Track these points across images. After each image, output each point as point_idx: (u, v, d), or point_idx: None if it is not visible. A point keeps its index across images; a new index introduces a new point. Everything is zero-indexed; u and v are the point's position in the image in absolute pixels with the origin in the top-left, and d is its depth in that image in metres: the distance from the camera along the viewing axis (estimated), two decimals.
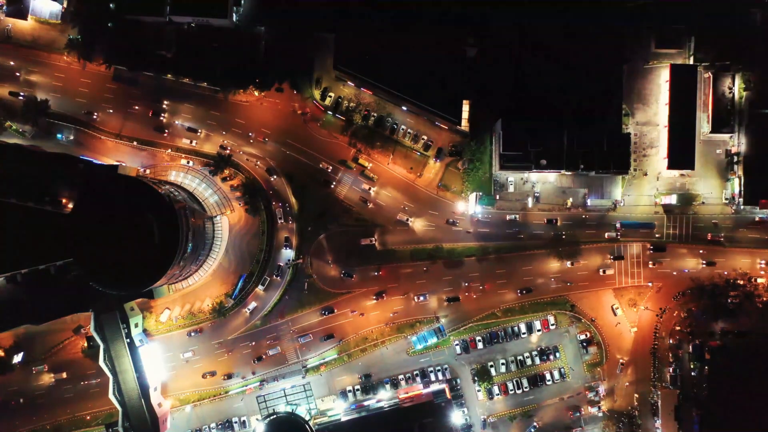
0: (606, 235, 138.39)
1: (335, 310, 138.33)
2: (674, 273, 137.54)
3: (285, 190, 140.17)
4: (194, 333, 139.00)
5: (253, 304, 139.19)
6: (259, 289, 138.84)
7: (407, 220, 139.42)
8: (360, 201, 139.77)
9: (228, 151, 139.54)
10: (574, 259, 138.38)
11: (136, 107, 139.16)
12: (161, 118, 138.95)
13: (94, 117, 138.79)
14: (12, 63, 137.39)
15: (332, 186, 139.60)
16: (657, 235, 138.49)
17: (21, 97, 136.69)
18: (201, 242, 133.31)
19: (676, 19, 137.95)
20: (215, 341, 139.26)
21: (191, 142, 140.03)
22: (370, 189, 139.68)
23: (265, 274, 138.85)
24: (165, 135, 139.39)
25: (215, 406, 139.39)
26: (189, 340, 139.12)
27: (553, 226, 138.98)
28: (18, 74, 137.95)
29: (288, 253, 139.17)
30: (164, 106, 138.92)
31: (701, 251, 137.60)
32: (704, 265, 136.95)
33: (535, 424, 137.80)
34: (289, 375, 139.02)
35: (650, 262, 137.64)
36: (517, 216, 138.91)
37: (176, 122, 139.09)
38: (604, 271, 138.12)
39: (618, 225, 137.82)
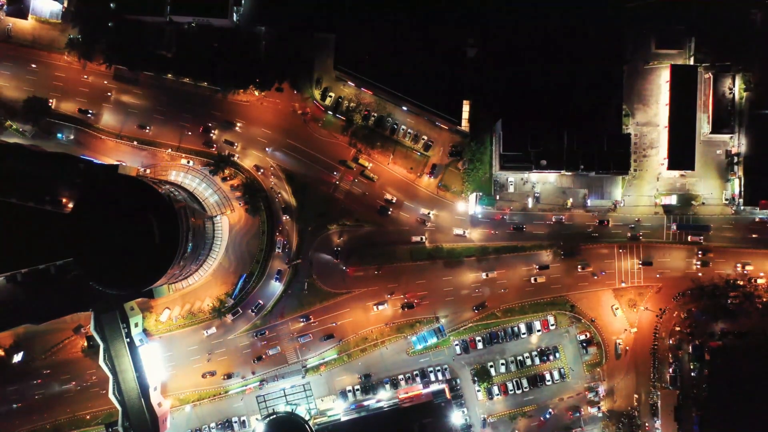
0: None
1: (311, 318, 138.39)
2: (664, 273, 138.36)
3: (292, 229, 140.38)
4: (233, 315, 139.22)
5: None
6: (229, 318, 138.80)
7: (464, 233, 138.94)
8: (417, 222, 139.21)
9: (262, 172, 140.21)
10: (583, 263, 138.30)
11: (187, 124, 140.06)
12: (211, 135, 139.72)
13: (147, 130, 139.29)
14: (105, 83, 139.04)
15: (389, 213, 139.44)
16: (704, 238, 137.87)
17: (90, 115, 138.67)
18: (201, 242, 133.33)
19: (676, 20, 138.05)
20: (215, 341, 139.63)
21: (235, 157, 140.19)
22: (429, 213, 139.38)
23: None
24: (213, 149, 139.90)
25: (215, 406, 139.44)
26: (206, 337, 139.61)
27: (604, 227, 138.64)
28: (109, 94, 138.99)
29: (276, 286, 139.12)
30: (212, 125, 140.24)
31: (699, 252, 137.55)
32: (698, 266, 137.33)
33: (550, 410, 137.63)
34: (289, 375, 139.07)
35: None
36: (563, 217, 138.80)
37: (223, 138, 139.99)
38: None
39: (674, 227, 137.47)
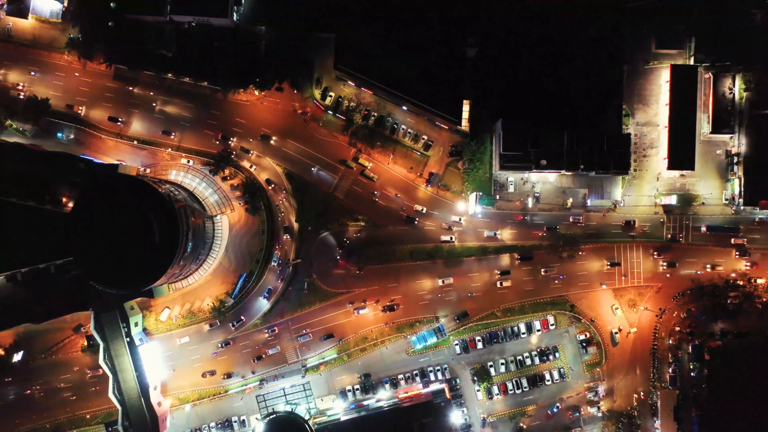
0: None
1: (276, 329, 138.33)
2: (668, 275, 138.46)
3: (291, 247, 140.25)
4: (210, 326, 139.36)
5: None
6: (205, 327, 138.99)
7: (495, 234, 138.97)
8: (443, 227, 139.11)
9: (273, 187, 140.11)
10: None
11: (211, 132, 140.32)
12: (230, 142, 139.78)
13: (172, 136, 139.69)
14: (151, 94, 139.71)
15: (416, 223, 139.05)
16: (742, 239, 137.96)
17: (119, 122, 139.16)
18: (201, 241, 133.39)
19: (676, 20, 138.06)
20: (215, 341, 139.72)
21: (251, 167, 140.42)
22: (460, 219, 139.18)
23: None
24: (233, 156, 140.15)
25: (215, 405, 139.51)
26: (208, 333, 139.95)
27: (631, 227, 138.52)
28: (154, 104, 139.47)
29: (263, 304, 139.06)
30: (233, 136, 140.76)
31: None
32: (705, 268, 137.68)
33: (557, 404, 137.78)
34: (289, 374, 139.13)
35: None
36: (581, 218, 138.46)
37: (241, 146, 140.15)
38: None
39: (704, 229, 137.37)
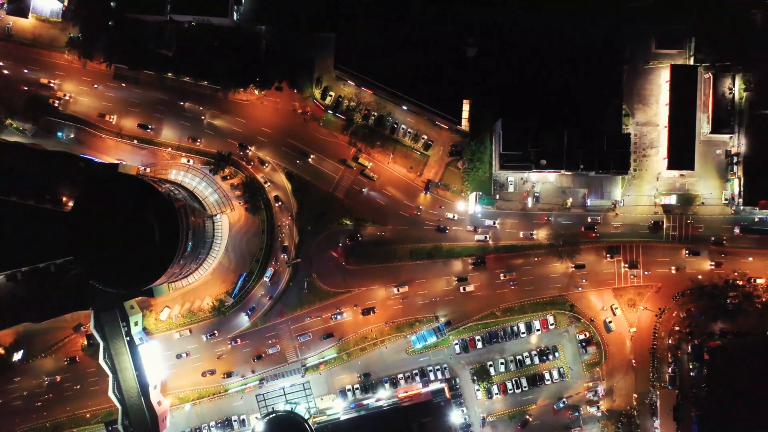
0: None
1: (239, 341, 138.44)
2: (672, 272, 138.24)
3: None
4: (210, 335, 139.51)
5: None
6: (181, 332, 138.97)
7: (531, 234, 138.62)
8: (475, 233, 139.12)
9: (280, 205, 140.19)
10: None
11: (234, 141, 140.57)
12: (248, 151, 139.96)
13: (198, 143, 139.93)
14: (198, 107, 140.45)
15: (447, 232, 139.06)
16: None
17: (149, 129, 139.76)
18: (201, 241, 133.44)
19: (676, 20, 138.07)
20: (214, 340, 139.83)
21: (265, 183, 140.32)
22: (494, 222, 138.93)
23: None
24: (250, 166, 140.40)
25: (215, 405, 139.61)
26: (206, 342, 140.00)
27: (659, 227, 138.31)
28: (203, 118, 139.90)
29: (244, 320, 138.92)
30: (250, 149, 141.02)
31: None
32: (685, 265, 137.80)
33: (564, 399, 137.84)
34: (289, 374, 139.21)
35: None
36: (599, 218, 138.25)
37: (258, 155, 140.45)
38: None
39: (737, 231, 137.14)
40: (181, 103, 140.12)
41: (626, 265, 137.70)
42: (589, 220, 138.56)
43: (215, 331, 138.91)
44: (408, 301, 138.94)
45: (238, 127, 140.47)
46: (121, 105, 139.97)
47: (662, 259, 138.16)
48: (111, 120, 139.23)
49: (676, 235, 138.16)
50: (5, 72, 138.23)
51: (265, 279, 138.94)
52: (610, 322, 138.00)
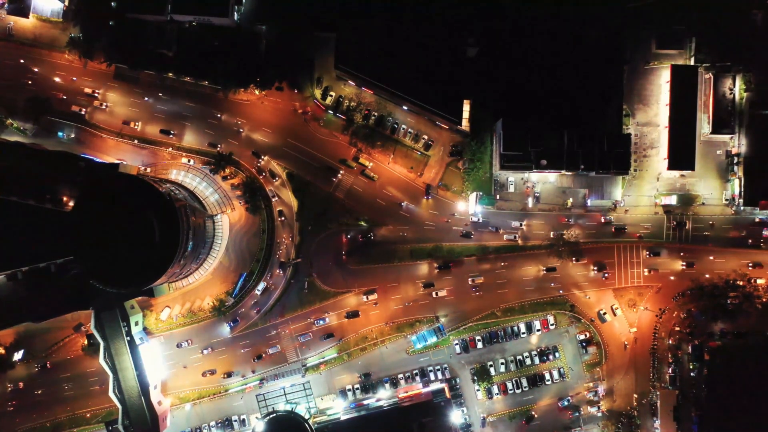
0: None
1: (212, 349, 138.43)
2: (672, 277, 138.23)
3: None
4: (206, 350, 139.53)
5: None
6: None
7: (514, 237, 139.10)
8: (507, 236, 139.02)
9: (282, 220, 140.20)
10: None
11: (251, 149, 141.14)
12: (260, 160, 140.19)
13: (218, 148, 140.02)
14: (235, 120, 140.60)
15: (472, 236, 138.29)
16: None
17: (172, 135, 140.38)
18: (201, 241, 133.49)
19: (676, 20, 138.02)
20: (215, 340, 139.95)
21: (273, 197, 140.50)
22: (521, 224, 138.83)
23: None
24: (262, 177, 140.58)
25: (215, 405, 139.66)
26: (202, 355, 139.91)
27: (680, 228, 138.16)
28: (241, 130, 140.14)
29: (225, 330, 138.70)
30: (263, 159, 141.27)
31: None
32: (684, 267, 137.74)
33: (569, 397, 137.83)
34: (289, 374, 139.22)
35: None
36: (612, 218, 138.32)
37: (271, 163, 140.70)
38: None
39: (766, 232, 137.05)
40: (219, 115, 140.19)
41: (598, 271, 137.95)
42: (602, 220, 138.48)
43: (189, 339, 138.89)
44: (412, 304, 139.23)
45: (265, 137, 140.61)
46: (149, 113, 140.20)
47: (663, 259, 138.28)
48: (135, 126, 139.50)
49: (676, 235, 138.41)
50: (6, 72, 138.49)
51: (257, 292, 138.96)
52: (605, 313, 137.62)
